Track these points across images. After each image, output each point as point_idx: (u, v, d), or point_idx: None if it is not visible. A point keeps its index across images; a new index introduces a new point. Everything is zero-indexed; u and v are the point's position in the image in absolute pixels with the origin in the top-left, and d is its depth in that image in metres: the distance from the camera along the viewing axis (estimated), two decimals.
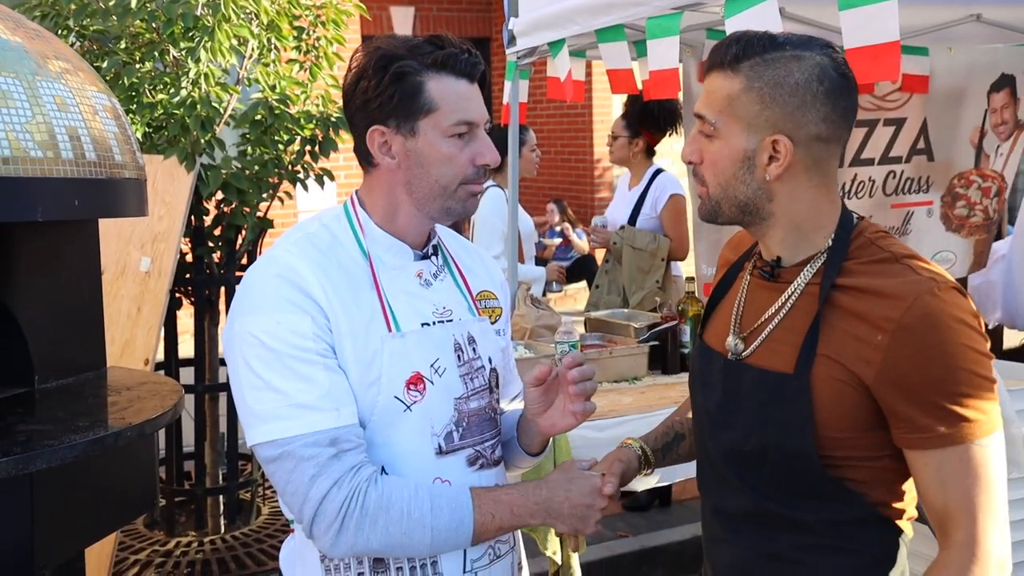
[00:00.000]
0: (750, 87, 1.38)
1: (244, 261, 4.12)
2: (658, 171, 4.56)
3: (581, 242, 7.49)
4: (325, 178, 4.04)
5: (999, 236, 4.39)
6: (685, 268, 4.67)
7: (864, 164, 3.81)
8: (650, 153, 4.60)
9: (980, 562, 1.31)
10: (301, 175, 4.01)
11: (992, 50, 3.89)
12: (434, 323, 1.58)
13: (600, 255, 5.27)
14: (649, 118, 4.47)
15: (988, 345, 1.35)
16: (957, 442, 1.31)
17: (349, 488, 1.41)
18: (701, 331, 1.62)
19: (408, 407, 1.51)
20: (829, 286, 1.38)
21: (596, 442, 2.92)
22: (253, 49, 3.88)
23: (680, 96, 3.74)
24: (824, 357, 1.36)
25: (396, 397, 1.51)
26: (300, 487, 1.41)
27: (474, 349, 1.62)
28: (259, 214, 3.99)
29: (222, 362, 4.19)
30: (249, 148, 3.94)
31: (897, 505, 1.43)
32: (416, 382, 1.52)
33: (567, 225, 7.62)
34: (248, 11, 3.74)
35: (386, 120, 1.52)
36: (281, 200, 4.18)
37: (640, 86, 3.62)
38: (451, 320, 1.61)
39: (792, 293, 1.44)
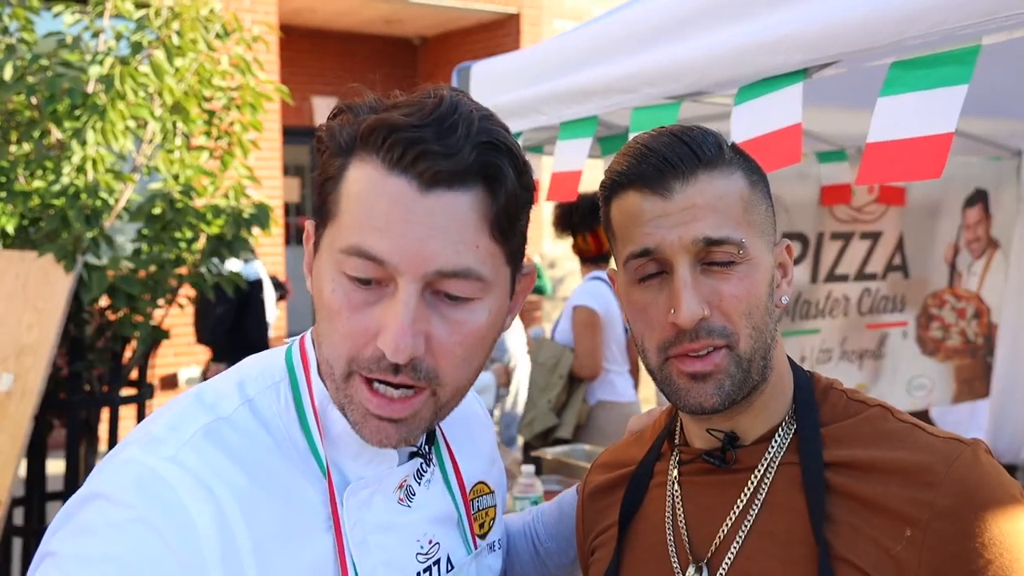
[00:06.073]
0: (752, 181, 1.03)
1: (133, 377, 3.51)
2: (594, 278, 4.02)
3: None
4: (236, 284, 3.49)
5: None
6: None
7: (839, 280, 3.48)
8: (587, 259, 4.06)
9: None
10: (207, 278, 3.45)
11: (967, 163, 3.67)
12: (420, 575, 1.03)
13: None
14: (569, 221, 4.01)
15: None
16: None
17: None
18: (614, 570, 1.15)
19: None
20: (820, 463, 1.00)
21: None
22: (154, 133, 3.35)
23: None
24: (843, 562, 0.96)
25: None
26: None
27: None
28: (152, 322, 3.40)
29: None
30: (145, 246, 3.37)
31: None
32: None
33: None
34: (149, 89, 3.22)
35: (314, 213, 0.97)
36: (181, 306, 3.61)
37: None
38: (439, 560, 1.05)
39: (759, 481, 1.04)
